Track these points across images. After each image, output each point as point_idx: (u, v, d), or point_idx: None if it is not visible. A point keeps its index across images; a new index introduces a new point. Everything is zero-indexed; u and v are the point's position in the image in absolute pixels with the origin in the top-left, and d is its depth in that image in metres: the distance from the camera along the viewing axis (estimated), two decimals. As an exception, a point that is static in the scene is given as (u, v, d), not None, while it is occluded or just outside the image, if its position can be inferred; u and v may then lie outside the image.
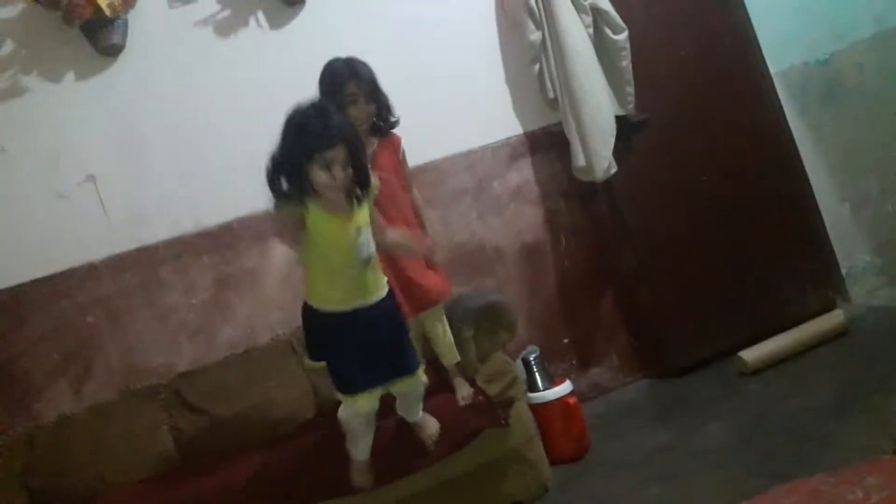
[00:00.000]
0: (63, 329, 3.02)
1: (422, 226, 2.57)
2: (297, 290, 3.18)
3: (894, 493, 1.52)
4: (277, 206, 2.02)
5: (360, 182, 2.03)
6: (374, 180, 2.10)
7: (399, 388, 2.27)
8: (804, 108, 3.60)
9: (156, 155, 3.17)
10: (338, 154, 1.94)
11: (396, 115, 2.49)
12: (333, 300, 2.10)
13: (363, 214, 2.09)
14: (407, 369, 2.23)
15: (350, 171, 1.98)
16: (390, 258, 2.39)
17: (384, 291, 2.18)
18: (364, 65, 2.40)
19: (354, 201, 2.05)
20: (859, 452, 2.04)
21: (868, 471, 1.67)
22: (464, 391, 2.56)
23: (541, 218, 3.57)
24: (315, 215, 2.00)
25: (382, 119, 2.45)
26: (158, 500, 2.46)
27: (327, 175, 1.95)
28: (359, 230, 2.05)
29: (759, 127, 3.55)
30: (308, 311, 2.19)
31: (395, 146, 2.51)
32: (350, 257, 2.05)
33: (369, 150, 2.42)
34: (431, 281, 2.49)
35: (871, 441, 2.18)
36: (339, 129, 1.95)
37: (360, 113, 2.36)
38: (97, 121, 3.14)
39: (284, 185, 1.99)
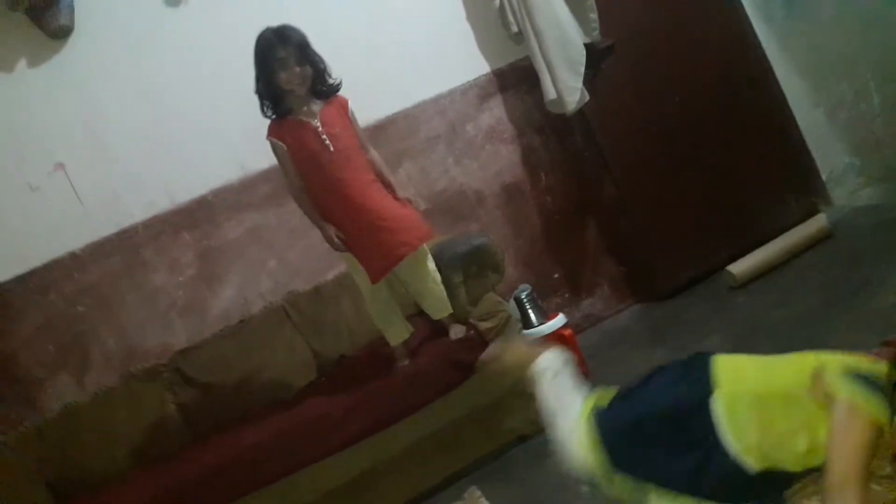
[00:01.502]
0: (55, 321, 3.02)
1: (387, 185, 2.54)
2: (285, 258, 3.22)
3: None
4: None
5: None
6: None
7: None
8: (769, 16, 3.55)
9: (121, 135, 3.12)
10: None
11: (336, 77, 2.46)
12: None
13: None
14: None
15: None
16: (364, 206, 2.39)
17: None
18: (294, 29, 2.38)
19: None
20: (849, 350, 2.07)
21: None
22: (456, 329, 2.60)
23: (518, 156, 3.55)
24: None
25: (321, 82, 2.43)
26: (172, 476, 2.50)
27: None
28: None
29: (727, 41, 3.51)
30: None
31: (342, 106, 2.47)
32: None
33: (315, 113, 2.40)
34: (408, 225, 2.46)
35: (859, 339, 2.22)
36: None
37: (291, 76, 2.35)
38: (57, 106, 3.07)
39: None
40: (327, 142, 2.37)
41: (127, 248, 3.09)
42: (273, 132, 2.43)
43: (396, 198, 2.50)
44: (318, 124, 2.38)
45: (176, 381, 2.90)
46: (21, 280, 3.00)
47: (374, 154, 2.57)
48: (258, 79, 2.39)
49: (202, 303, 3.15)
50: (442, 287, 2.61)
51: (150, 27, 3.15)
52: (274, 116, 2.43)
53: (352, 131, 2.48)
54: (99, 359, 3.04)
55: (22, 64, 3.06)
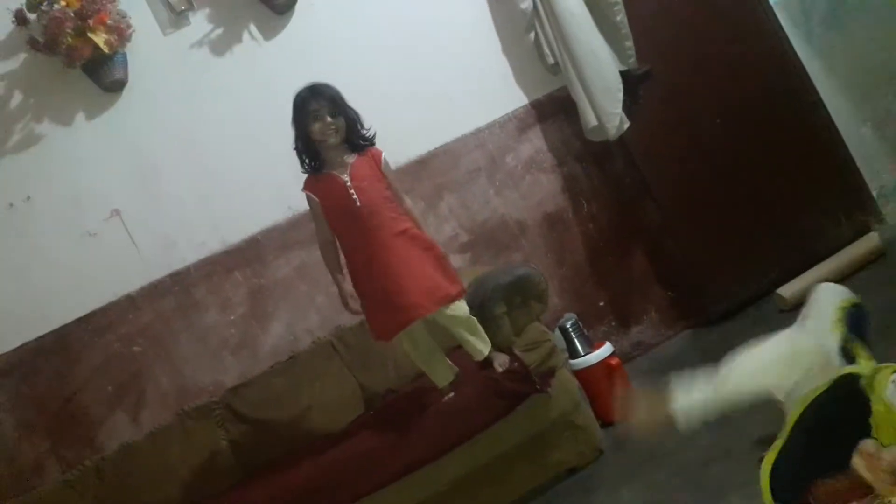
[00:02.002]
0: (112, 361, 3.12)
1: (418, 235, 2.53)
2: (330, 294, 3.27)
3: None
4: None
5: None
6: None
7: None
8: (809, 34, 3.51)
9: (173, 181, 3.24)
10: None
11: (370, 128, 2.51)
12: None
13: None
14: None
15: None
16: (384, 263, 2.40)
17: None
18: (327, 85, 2.45)
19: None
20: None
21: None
22: (500, 359, 2.58)
23: (558, 185, 3.56)
24: None
25: (354, 133, 2.48)
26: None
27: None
28: None
29: (766, 60, 3.48)
30: None
31: (374, 159, 2.51)
32: None
33: (347, 165, 2.45)
34: (427, 287, 2.42)
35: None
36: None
37: (323, 127, 2.41)
38: (113, 156, 3.22)
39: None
40: (354, 196, 2.41)
41: (180, 289, 3.19)
42: (307, 186, 2.51)
43: (431, 248, 2.48)
44: (347, 178, 2.43)
45: (228, 417, 2.95)
46: (81, 322, 3.11)
47: (409, 203, 2.56)
48: (296, 136, 2.47)
49: (253, 340, 3.22)
50: (478, 329, 2.59)
51: (198, 77, 3.29)
52: (307, 171, 2.51)
53: (383, 184, 2.49)
54: (154, 397, 3.13)
55: (80, 117, 3.22)
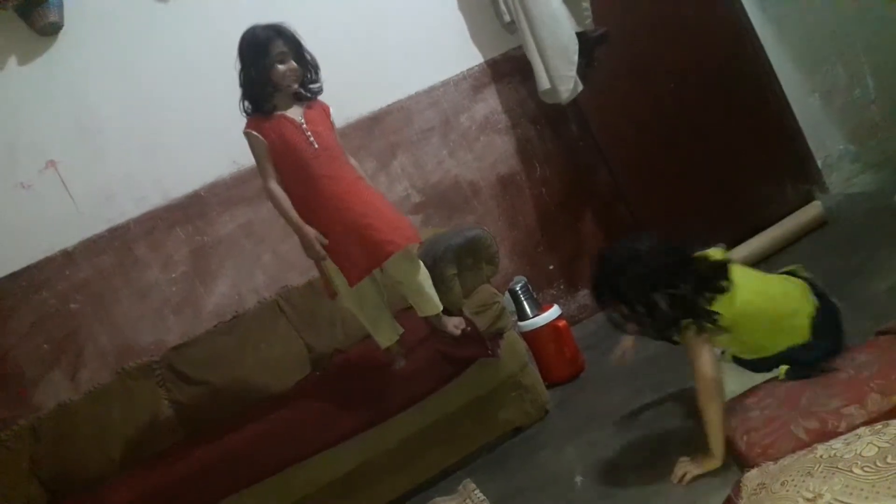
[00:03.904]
0: (48, 319, 3.02)
1: None
2: (279, 252, 3.21)
3: (884, 366, 1.57)
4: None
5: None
6: None
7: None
8: (763, 2, 3.53)
9: (113, 132, 3.11)
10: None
11: (321, 80, 2.42)
12: None
13: None
14: None
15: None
16: (350, 204, 2.35)
17: None
18: (286, 26, 2.34)
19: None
20: (846, 337, 2.06)
21: (856, 352, 1.72)
22: (454, 320, 2.56)
23: (512, 147, 3.53)
24: None
25: (309, 82, 2.40)
26: (166, 474, 2.49)
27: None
28: None
29: (721, 27, 3.49)
30: None
31: (324, 111, 2.44)
32: None
33: (299, 114, 2.37)
34: (395, 225, 2.40)
35: (855, 325, 2.20)
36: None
37: (289, 71, 2.31)
38: (48, 104, 3.06)
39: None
40: (312, 139, 2.33)
41: (119, 244, 3.09)
42: (252, 125, 2.36)
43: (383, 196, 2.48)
44: (303, 121, 2.36)
45: (169, 377, 2.89)
46: (13, 278, 2.99)
47: (354, 162, 2.51)
48: (246, 72, 2.34)
49: (195, 299, 3.14)
50: (431, 285, 2.57)
51: (140, 23, 3.14)
52: (253, 113, 2.38)
53: (334, 134, 2.44)
54: (92, 356, 3.03)
55: (11, 62, 3.04)
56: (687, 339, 1.83)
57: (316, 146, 2.33)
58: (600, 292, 1.94)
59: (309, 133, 2.33)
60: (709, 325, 1.79)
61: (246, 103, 2.38)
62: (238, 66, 2.33)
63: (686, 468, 1.88)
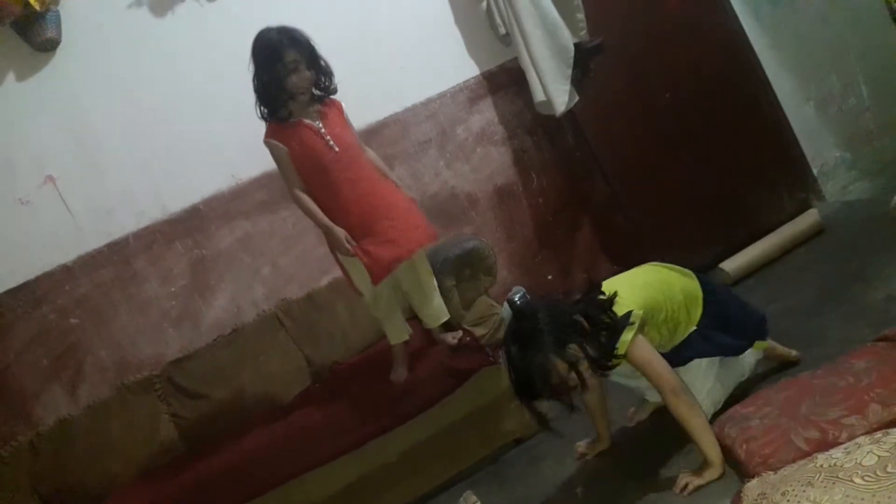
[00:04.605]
0: (47, 334, 3.01)
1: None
2: (278, 265, 3.22)
3: (882, 373, 1.57)
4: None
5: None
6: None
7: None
8: (757, 11, 3.55)
9: (111, 146, 3.11)
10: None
11: (335, 81, 2.45)
12: None
13: None
14: None
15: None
16: (371, 206, 2.38)
17: None
18: (299, 31, 2.35)
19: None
20: (844, 344, 2.08)
21: (855, 359, 1.72)
22: (451, 335, 2.58)
23: (509, 158, 3.55)
24: None
25: (322, 85, 2.42)
26: (167, 488, 2.49)
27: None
28: None
29: (715, 36, 3.50)
30: None
31: (339, 109, 2.47)
32: None
33: (314, 116, 2.38)
34: (415, 224, 2.46)
35: (853, 332, 2.22)
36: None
37: (302, 80, 2.33)
38: (46, 119, 3.06)
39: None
40: (331, 142, 2.36)
41: (118, 259, 3.08)
42: (272, 134, 2.39)
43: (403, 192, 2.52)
44: (321, 125, 2.37)
45: (169, 391, 2.89)
46: (12, 293, 2.99)
47: (372, 153, 2.56)
48: (260, 78, 2.34)
49: (195, 312, 3.14)
50: (439, 294, 2.59)
51: (137, 38, 3.14)
52: (270, 119, 2.40)
53: (352, 131, 2.47)
54: (92, 371, 3.03)
55: (9, 77, 3.05)
56: (630, 352, 1.88)
57: (336, 149, 2.36)
58: (534, 387, 1.94)
59: (328, 137, 2.36)
60: (633, 321, 1.88)
61: (262, 108, 2.40)
62: (251, 68, 2.35)
63: (688, 479, 1.88)
